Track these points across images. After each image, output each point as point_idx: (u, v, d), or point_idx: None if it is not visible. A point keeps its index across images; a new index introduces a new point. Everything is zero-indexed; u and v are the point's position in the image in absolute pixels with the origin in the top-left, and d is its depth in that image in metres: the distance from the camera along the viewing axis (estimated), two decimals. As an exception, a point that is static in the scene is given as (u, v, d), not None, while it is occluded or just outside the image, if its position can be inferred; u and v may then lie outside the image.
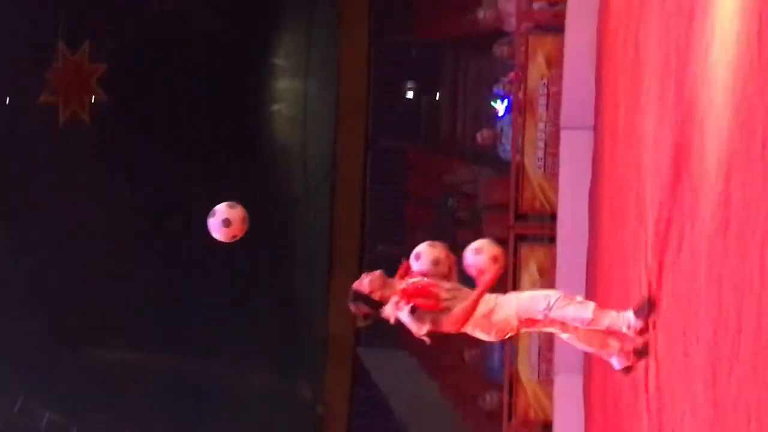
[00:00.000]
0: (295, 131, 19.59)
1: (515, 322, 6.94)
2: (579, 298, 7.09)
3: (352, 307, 7.10)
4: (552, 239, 13.89)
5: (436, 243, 7.26)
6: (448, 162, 17.52)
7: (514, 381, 13.78)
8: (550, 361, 13.58)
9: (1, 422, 14.51)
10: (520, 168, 13.83)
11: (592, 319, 6.91)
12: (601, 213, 12.05)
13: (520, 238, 14.22)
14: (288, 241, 18.97)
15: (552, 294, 7.03)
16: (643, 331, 6.92)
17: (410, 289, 6.89)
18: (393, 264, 17.86)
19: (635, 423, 7.51)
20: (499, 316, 6.91)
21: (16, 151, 16.34)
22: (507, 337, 7.14)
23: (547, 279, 13.65)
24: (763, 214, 4.68)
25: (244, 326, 17.55)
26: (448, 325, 6.84)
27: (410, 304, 6.84)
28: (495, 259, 7.04)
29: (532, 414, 13.41)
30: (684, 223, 6.51)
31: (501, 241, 15.02)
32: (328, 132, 19.19)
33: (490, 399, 14.76)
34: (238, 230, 7.13)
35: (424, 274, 7.02)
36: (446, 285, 6.95)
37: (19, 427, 14.37)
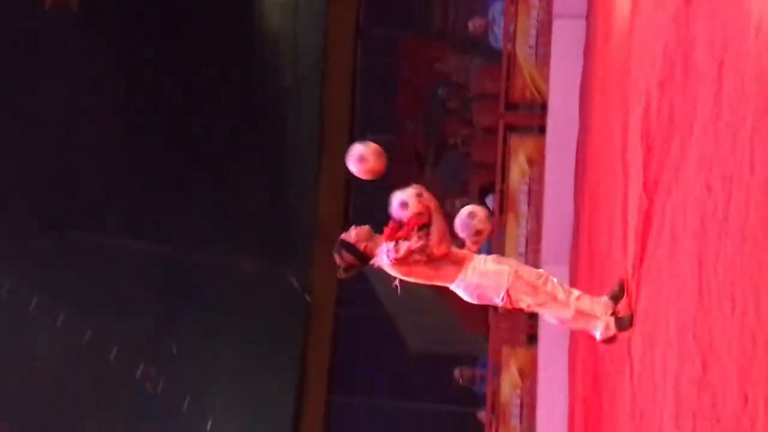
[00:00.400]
0: (285, 20, 19.40)
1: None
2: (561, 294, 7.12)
3: (337, 257, 7.13)
4: (542, 129, 13.86)
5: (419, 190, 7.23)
6: (439, 51, 17.40)
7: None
8: (537, 252, 13.63)
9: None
10: (512, 57, 13.75)
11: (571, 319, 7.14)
12: (591, 103, 12.00)
13: (510, 127, 14.18)
14: (278, 130, 18.89)
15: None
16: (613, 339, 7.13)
17: (394, 234, 6.96)
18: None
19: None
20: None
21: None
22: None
23: (536, 169, 13.65)
24: (754, 102, 4.64)
25: (234, 214, 17.56)
26: (435, 248, 6.93)
27: (393, 242, 6.90)
28: (479, 233, 7.12)
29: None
30: (674, 111, 6.46)
31: (491, 131, 15.07)
32: (318, 21, 19.00)
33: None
34: (376, 165, 7.11)
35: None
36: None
37: (8, 310, 14.43)
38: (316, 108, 19.17)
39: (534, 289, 7.07)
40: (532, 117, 14.29)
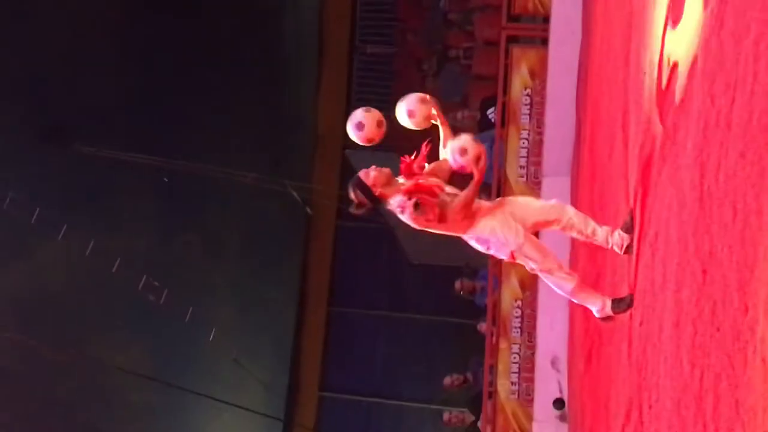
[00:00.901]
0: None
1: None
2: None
3: (351, 194, 7.12)
4: (544, 41, 13.79)
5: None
6: (441, -39, 17.25)
7: (502, 183, 13.85)
8: (538, 164, 13.64)
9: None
10: (514, -32, 13.66)
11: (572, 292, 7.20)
12: (594, 14, 11.93)
13: (512, 39, 14.12)
14: (277, 40, 18.78)
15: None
16: (628, 248, 7.12)
17: (413, 188, 6.91)
18: (382, 64, 17.73)
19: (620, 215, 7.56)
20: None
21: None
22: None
23: (538, 81, 13.61)
24: (759, 8, 4.62)
25: (235, 126, 17.53)
26: (453, 214, 6.93)
27: (414, 200, 6.87)
28: (477, 159, 7.04)
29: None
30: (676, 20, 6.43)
31: (492, 43, 15.00)
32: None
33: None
34: (373, 134, 7.10)
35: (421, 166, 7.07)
36: (448, 189, 7.03)
37: (10, 222, 14.44)
38: (316, 18, 19.05)
39: (543, 253, 7.08)
40: (535, 29, 14.22)
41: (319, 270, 18.69)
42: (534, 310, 13.32)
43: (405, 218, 7.06)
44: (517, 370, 13.41)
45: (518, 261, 7.20)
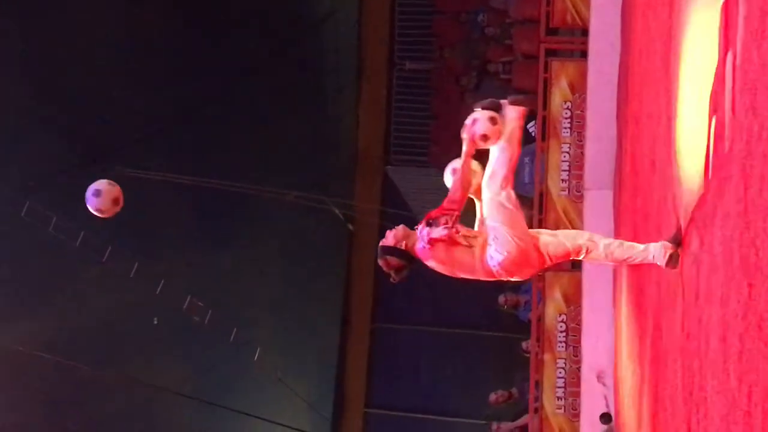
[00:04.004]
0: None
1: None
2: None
3: (382, 263, 7.10)
4: (583, 54, 13.75)
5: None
6: (478, -23, 17.25)
7: (544, 197, 13.81)
8: (579, 178, 13.58)
9: (40, 242, 14.73)
10: (551, -19, 13.63)
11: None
12: (633, 25, 11.87)
13: (551, 53, 14.09)
14: (316, 59, 18.85)
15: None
16: (672, 259, 6.95)
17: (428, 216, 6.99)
18: (421, 80, 17.71)
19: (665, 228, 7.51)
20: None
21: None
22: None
23: (578, 95, 13.57)
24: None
25: (275, 144, 17.57)
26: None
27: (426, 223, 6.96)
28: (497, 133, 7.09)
29: (562, 229, 13.43)
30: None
31: (531, 57, 14.97)
32: (355, -55, 18.93)
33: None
34: (106, 207, 7.21)
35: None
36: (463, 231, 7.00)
37: (55, 246, 14.56)
38: (354, 36, 19.10)
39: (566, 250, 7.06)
40: (573, 42, 14.19)
41: (361, 286, 18.70)
42: (578, 324, 13.26)
43: (429, 257, 7.02)
44: (562, 385, 13.35)
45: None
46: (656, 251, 7.05)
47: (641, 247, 7.12)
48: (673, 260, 6.93)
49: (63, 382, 15.40)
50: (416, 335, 18.18)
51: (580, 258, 7.15)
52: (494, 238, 6.99)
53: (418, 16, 18.84)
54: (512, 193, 7.07)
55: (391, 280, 7.18)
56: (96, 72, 16.00)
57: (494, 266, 7.01)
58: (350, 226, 17.16)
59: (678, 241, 7.05)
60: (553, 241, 7.07)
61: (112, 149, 16.19)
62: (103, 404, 15.97)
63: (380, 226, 17.67)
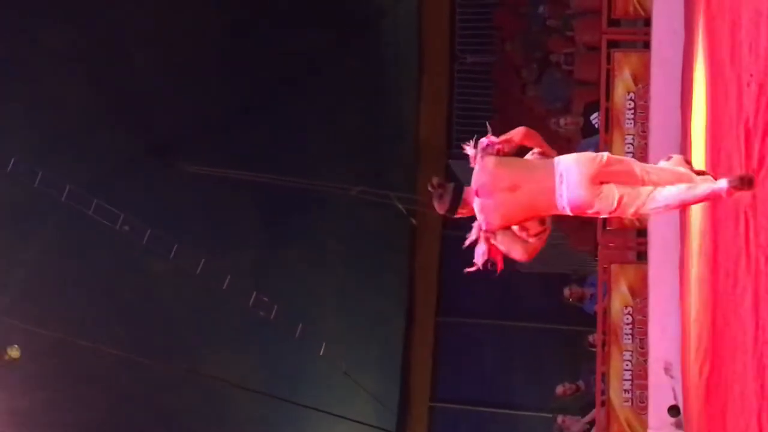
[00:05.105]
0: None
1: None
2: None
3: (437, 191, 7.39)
4: (646, 44, 13.65)
5: None
6: (538, -32, 17.17)
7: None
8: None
9: (107, 239, 14.87)
10: (613, -28, 13.54)
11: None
12: (697, 14, 11.76)
13: (613, 44, 14.00)
14: (377, 52, 18.87)
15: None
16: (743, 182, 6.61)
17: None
18: (482, 73, 17.62)
19: (735, 222, 7.44)
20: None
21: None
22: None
23: (641, 86, 13.47)
24: None
25: (337, 138, 17.63)
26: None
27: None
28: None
29: (626, 222, 13.38)
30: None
31: (593, 48, 14.89)
32: (415, -60, 18.91)
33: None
34: None
35: None
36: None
37: (124, 244, 14.71)
38: (415, 29, 19.10)
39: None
40: (636, 32, 14.09)
41: (425, 280, 18.71)
42: (645, 316, 13.17)
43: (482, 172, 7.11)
44: (629, 378, 13.27)
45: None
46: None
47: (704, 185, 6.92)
48: (745, 182, 6.55)
49: (129, 378, 15.58)
50: (481, 329, 18.16)
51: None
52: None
53: (478, 8, 18.80)
54: None
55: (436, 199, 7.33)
56: (158, 69, 16.14)
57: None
58: (413, 220, 17.17)
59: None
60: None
61: (175, 146, 16.33)
62: (169, 399, 16.12)
63: (443, 220, 17.68)
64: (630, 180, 6.95)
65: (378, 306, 18.04)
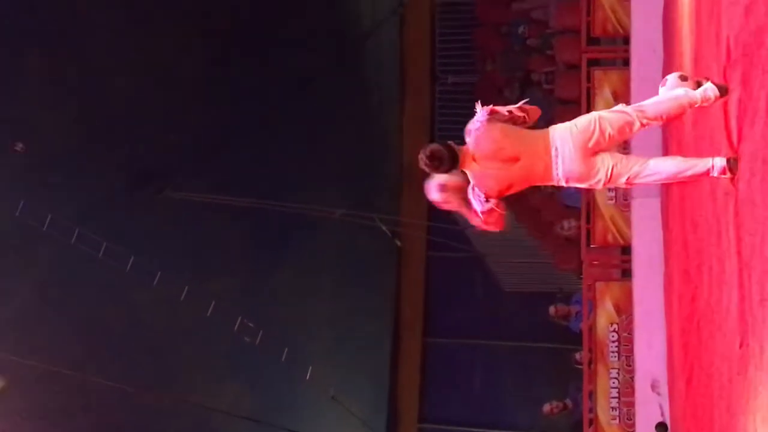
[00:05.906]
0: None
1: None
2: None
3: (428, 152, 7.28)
4: (626, 62, 13.71)
5: None
6: (517, -12, 17.23)
7: (591, 207, 13.76)
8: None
9: (89, 266, 14.81)
10: (591, -10, 13.60)
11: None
12: (675, 33, 11.82)
13: (593, 62, 14.06)
14: (359, 76, 18.87)
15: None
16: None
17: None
18: (464, 93, 17.63)
19: (718, 238, 7.46)
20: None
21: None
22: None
23: (622, 102, 13.48)
24: None
25: (321, 162, 17.60)
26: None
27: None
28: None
29: (610, 238, 13.41)
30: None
31: (573, 66, 14.93)
32: (394, -37, 18.93)
33: (567, 225, 14.77)
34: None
35: None
36: None
37: (106, 271, 14.64)
38: (396, 51, 19.12)
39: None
40: (615, 50, 14.15)
41: (411, 301, 18.70)
42: (630, 333, 13.19)
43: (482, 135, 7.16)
44: (616, 395, 13.27)
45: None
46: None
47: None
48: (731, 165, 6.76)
49: (116, 406, 15.49)
50: (467, 348, 18.14)
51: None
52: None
53: (459, 29, 18.84)
54: None
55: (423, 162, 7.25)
56: (142, 95, 16.09)
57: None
58: (398, 242, 17.16)
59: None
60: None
61: (159, 173, 16.28)
62: (156, 427, 16.04)
63: (428, 241, 17.69)
64: (626, 132, 7.14)
65: (364, 328, 18.00)
